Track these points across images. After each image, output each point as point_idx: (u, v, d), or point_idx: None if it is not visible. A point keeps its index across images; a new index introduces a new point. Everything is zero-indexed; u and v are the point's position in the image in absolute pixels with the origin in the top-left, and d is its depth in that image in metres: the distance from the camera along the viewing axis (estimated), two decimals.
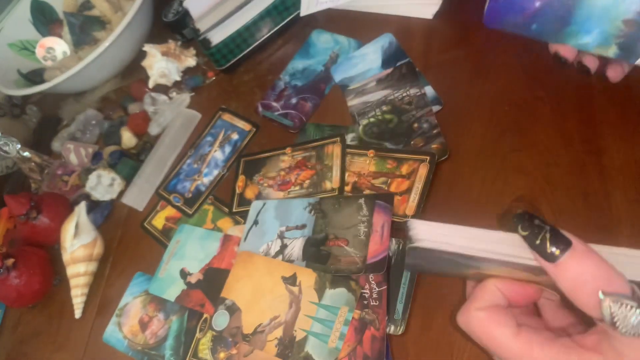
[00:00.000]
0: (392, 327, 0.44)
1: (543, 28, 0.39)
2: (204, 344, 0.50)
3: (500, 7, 0.39)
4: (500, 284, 0.29)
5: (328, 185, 0.54)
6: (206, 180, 0.63)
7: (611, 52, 0.37)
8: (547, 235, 0.25)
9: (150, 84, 0.73)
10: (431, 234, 0.27)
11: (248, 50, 0.70)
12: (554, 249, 0.25)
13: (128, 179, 0.69)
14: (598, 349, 0.25)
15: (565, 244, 0.25)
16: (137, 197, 0.66)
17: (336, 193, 0.53)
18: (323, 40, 0.67)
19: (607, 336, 0.25)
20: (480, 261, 0.28)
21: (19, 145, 0.71)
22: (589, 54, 0.39)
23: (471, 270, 0.31)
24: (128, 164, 0.69)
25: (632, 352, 0.24)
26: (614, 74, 0.39)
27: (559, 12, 0.38)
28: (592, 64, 0.39)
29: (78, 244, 0.61)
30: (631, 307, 0.23)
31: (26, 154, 0.73)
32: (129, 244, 0.64)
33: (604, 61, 0.39)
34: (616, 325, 0.23)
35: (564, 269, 0.25)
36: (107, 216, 0.68)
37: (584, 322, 0.29)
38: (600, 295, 0.24)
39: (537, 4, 0.38)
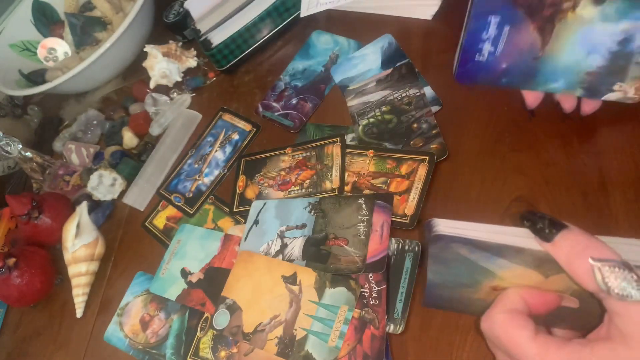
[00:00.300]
0: (392, 326, 0.44)
1: (512, 81, 0.43)
2: (205, 343, 0.51)
3: (468, 70, 0.43)
4: (521, 291, 0.31)
5: (328, 185, 0.54)
6: (207, 180, 0.63)
7: (578, 93, 0.42)
8: (546, 222, 0.29)
9: (152, 85, 0.73)
10: (452, 228, 0.30)
11: (248, 51, 0.70)
12: (550, 230, 0.28)
13: (129, 179, 0.69)
14: (607, 336, 0.27)
15: (561, 226, 0.28)
16: (138, 197, 0.67)
17: (336, 193, 0.53)
18: (323, 41, 0.67)
19: (612, 322, 0.27)
20: (496, 254, 0.30)
21: (21, 146, 0.72)
22: (565, 95, 0.43)
23: (487, 281, 0.32)
24: (129, 164, 0.70)
25: (634, 328, 0.26)
26: (588, 108, 0.43)
27: (524, 69, 0.41)
28: (568, 105, 0.44)
29: (79, 243, 0.62)
30: (620, 269, 0.26)
31: (28, 154, 0.73)
32: (130, 243, 0.65)
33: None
34: (609, 288, 0.26)
35: (560, 245, 0.28)
36: (108, 216, 0.69)
37: None
38: (591, 261, 0.26)
39: (504, 65, 0.41)
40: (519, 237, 0.29)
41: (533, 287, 0.31)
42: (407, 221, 0.48)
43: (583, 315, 0.31)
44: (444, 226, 0.30)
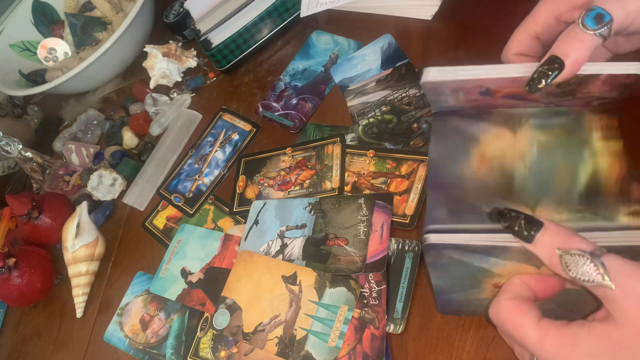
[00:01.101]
0: (392, 326, 0.44)
1: None
2: (205, 342, 0.51)
3: None
4: (524, 277, 0.32)
5: (328, 185, 0.54)
6: (207, 180, 0.63)
7: None
8: (522, 222, 0.29)
9: (152, 85, 0.73)
10: (441, 236, 0.31)
11: (249, 51, 0.70)
12: (529, 231, 0.28)
13: (129, 179, 0.69)
14: (603, 318, 0.28)
15: (538, 225, 0.29)
16: (139, 197, 0.67)
17: (336, 193, 0.53)
18: (323, 41, 0.67)
19: (603, 305, 0.28)
20: (486, 254, 0.31)
21: (21, 146, 0.72)
22: None
23: (487, 279, 0.33)
24: (129, 164, 0.70)
25: (620, 310, 0.27)
26: None
27: None
28: None
29: (79, 243, 0.62)
30: (580, 255, 0.27)
31: (28, 154, 0.73)
32: (130, 243, 0.65)
33: None
34: (574, 277, 0.27)
35: (540, 245, 0.28)
36: (108, 216, 0.69)
37: None
38: (557, 251, 0.27)
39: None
40: (501, 237, 0.30)
41: (535, 273, 0.32)
42: (407, 221, 0.48)
43: (589, 297, 0.31)
44: (433, 236, 0.32)
